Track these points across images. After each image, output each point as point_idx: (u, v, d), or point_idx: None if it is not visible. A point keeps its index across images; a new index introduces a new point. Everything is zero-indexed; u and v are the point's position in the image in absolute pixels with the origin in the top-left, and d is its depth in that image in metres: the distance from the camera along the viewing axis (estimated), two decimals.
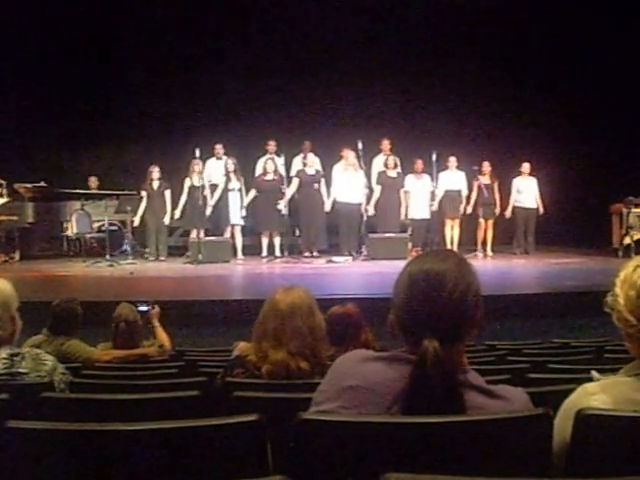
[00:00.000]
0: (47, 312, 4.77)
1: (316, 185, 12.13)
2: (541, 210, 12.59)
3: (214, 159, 12.54)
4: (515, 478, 1.31)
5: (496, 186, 12.52)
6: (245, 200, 12.14)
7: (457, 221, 12.43)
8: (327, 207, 12.14)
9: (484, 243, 12.50)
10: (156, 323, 5.40)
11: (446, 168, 12.43)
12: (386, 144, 12.55)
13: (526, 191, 12.58)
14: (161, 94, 13.85)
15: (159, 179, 12.17)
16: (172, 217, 12.28)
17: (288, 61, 14.11)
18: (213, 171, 12.44)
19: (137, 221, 12.26)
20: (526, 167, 12.60)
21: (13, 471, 1.82)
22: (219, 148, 12.53)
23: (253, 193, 12.11)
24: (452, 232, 12.41)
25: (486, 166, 12.46)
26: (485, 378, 1.79)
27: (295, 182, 12.19)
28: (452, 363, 1.69)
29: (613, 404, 1.79)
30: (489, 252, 12.45)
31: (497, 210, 12.56)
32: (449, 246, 12.02)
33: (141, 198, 12.19)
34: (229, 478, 1.27)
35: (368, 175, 12.34)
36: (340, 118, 14.04)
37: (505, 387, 1.79)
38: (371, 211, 12.11)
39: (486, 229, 12.49)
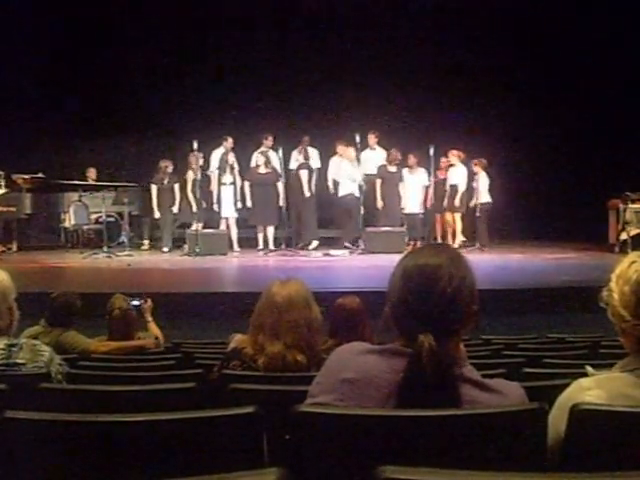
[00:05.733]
0: (45, 303, 4.78)
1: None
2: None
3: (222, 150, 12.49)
4: (510, 472, 1.31)
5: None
6: (246, 193, 12.18)
7: (458, 215, 12.44)
8: (307, 194, 12.22)
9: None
10: (149, 318, 5.39)
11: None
12: (372, 138, 12.52)
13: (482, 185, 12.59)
14: (159, 87, 13.84)
15: (169, 173, 12.28)
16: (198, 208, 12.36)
17: (287, 55, 14.09)
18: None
19: (157, 214, 12.37)
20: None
21: (10, 461, 1.83)
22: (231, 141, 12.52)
23: (247, 186, 12.14)
24: (454, 225, 12.44)
25: (444, 162, 12.61)
26: (480, 372, 1.80)
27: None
28: (447, 357, 1.70)
29: (608, 399, 1.80)
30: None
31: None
32: (450, 240, 12.13)
33: (147, 191, 12.32)
34: (225, 470, 1.27)
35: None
36: (338, 111, 14.01)
37: (501, 381, 1.80)
38: (379, 204, 12.20)
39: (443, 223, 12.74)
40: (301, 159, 12.37)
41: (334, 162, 12.46)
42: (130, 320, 4.96)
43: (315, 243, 12.40)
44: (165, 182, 12.28)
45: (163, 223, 12.45)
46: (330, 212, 12.76)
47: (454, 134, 13.11)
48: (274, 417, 1.89)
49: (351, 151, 12.07)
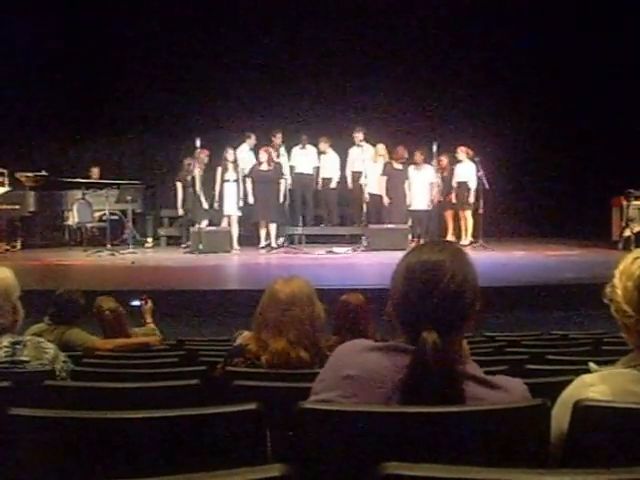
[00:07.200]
0: (48, 301, 4.79)
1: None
2: None
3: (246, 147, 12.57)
4: (513, 468, 1.31)
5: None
6: (247, 191, 12.19)
7: (469, 212, 12.41)
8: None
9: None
10: (149, 319, 5.37)
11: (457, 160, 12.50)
12: (358, 135, 12.50)
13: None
14: (163, 85, 13.84)
15: (192, 171, 12.33)
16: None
17: (288, 53, 14.09)
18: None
19: (181, 211, 12.58)
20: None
21: (15, 458, 1.83)
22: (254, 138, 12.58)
23: (250, 183, 12.15)
24: (466, 223, 12.43)
25: (442, 161, 12.63)
26: (484, 369, 1.80)
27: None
28: (451, 354, 1.70)
29: (611, 395, 1.80)
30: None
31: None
32: (465, 236, 12.27)
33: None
34: (228, 466, 1.28)
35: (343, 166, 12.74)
36: (339, 108, 14.02)
37: (504, 378, 1.80)
38: (385, 201, 12.26)
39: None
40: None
41: (324, 159, 12.74)
42: (121, 319, 4.95)
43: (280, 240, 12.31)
44: (189, 179, 12.34)
45: (183, 220, 12.65)
46: (340, 210, 12.96)
47: (457, 132, 13.10)
48: (277, 414, 1.89)
49: (372, 150, 12.21)
